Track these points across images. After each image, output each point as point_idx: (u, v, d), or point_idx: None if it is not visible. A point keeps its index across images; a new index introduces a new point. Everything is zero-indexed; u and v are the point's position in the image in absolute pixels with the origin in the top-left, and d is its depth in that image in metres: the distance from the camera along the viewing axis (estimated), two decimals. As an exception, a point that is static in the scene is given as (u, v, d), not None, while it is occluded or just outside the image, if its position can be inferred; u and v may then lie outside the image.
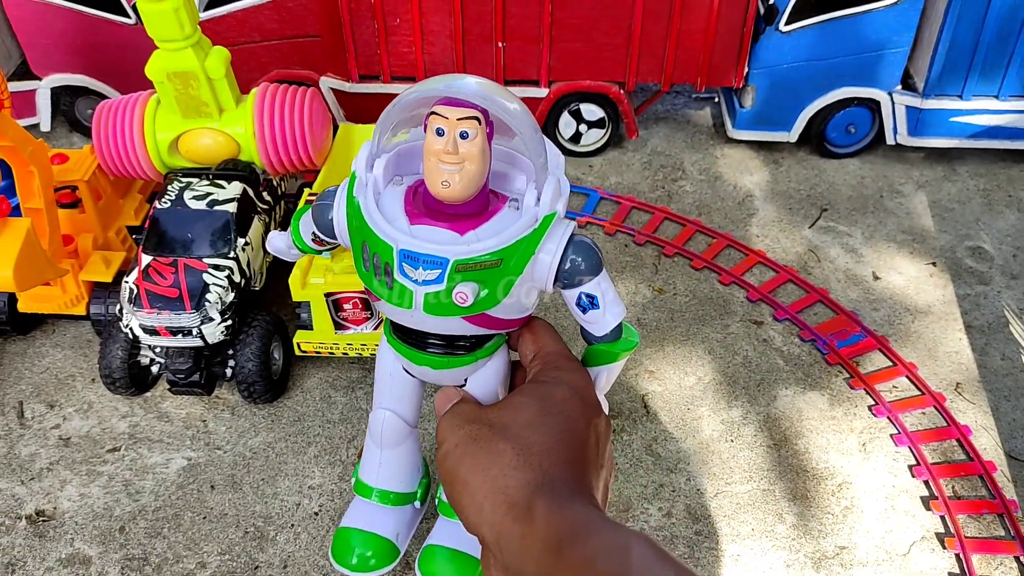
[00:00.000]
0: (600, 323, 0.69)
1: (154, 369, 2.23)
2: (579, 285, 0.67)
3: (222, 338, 2.07)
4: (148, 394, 2.25)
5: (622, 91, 2.87)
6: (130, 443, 2.15)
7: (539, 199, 0.63)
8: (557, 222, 0.64)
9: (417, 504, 0.84)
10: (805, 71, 2.85)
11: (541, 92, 2.89)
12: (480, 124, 0.60)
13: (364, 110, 2.99)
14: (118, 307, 2.09)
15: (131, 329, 2.03)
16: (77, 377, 2.30)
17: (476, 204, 0.64)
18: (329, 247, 0.77)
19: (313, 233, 0.74)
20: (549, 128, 2.99)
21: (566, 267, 0.65)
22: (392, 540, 0.81)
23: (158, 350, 2.16)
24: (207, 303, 2.02)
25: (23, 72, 3.02)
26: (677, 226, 2.77)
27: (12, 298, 2.28)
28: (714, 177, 2.98)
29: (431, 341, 0.69)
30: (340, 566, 0.80)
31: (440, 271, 0.62)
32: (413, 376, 0.77)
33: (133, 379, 2.17)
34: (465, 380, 0.72)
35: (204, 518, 1.99)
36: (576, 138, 3.02)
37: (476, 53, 2.82)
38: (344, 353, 2.20)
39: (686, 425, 2.19)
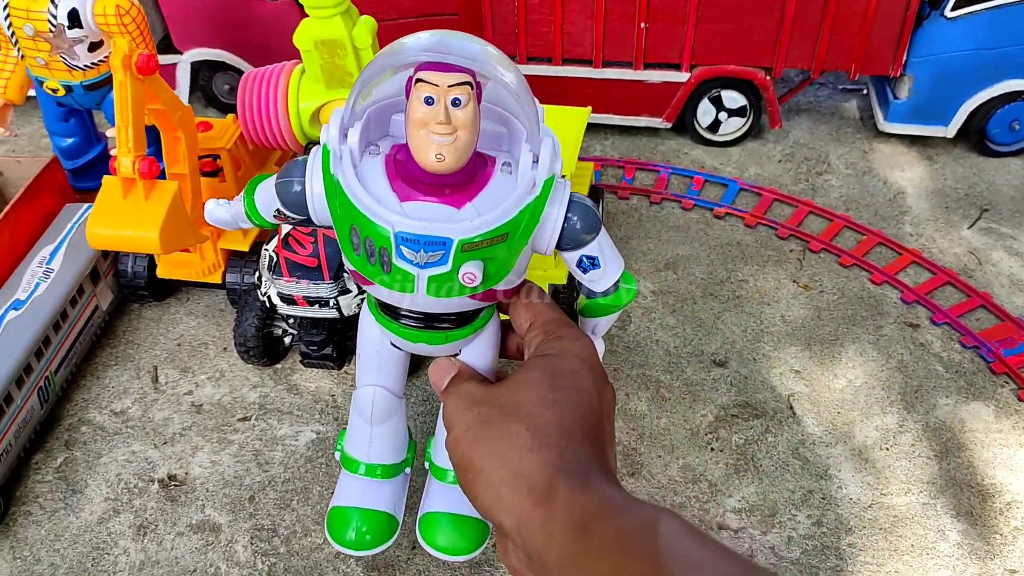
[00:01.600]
0: (602, 280, 0.66)
1: (286, 340, 2.21)
2: (580, 247, 0.64)
3: (357, 311, 2.03)
4: (278, 366, 2.24)
5: (768, 77, 2.73)
6: (260, 413, 2.13)
7: (536, 161, 0.59)
8: (556, 184, 0.60)
9: (408, 470, 0.83)
10: (970, 61, 2.65)
11: (682, 76, 2.77)
12: (472, 89, 0.55)
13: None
14: (256, 275, 2.08)
15: (269, 297, 2.01)
16: (209, 345, 2.31)
17: (466, 170, 0.59)
18: (296, 221, 0.71)
19: (277, 210, 0.68)
20: (687, 115, 2.87)
21: (567, 230, 0.61)
22: (391, 512, 0.80)
23: (292, 321, 2.14)
24: (345, 274, 1.99)
25: (164, 47, 3.07)
26: (823, 221, 2.61)
27: (151, 264, 2.30)
28: (862, 172, 2.81)
29: (425, 318, 0.66)
30: (337, 544, 0.79)
31: (443, 252, 0.57)
32: (400, 349, 0.74)
33: (266, 349, 2.16)
34: (460, 350, 0.70)
35: (332, 493, 1.95)
36: (715, 127, 2.89)
37: (616, 34, 2.72)
38: (477, 334, 2.13)
39: (836, 430, 2.04)
